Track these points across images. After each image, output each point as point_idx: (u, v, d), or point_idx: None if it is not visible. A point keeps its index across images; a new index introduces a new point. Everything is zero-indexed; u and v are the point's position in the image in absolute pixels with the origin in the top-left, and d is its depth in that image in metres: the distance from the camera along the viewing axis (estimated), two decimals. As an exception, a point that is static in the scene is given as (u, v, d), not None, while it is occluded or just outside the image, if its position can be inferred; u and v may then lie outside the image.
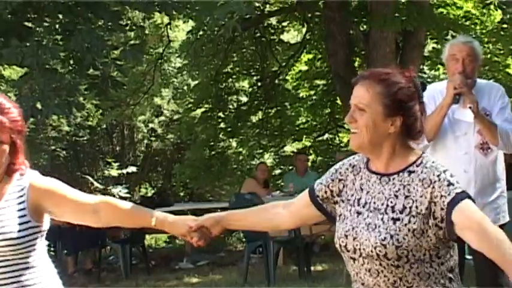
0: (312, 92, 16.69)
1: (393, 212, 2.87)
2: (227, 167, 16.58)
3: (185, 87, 18.21)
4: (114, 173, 17.94)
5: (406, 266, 2.84)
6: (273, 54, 16.26)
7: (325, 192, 3.17)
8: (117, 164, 18.08)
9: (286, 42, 16.68)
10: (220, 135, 16.32)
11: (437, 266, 2.88)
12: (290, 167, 15.40)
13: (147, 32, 15.03)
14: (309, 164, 14.92)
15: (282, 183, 13.89)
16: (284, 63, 16.43)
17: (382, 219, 2.89)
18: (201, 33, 14.55)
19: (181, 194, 18.64)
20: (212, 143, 16.20)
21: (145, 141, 19.89)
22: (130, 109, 17.37)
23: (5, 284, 3.16)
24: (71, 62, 11.06)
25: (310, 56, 16.52)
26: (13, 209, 3.21)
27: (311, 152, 16.62)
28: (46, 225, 3.31)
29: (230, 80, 16.51)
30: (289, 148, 17.41)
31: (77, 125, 18.87)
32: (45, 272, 3.30)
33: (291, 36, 17.43)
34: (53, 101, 10.10)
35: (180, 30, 16.93)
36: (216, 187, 17.58)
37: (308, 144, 16.95)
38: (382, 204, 2.91)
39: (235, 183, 16.42)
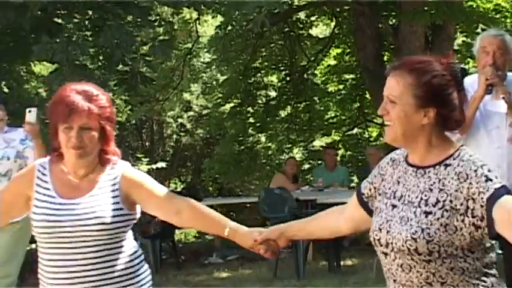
0: (341, 86, 16.66)
1: (426, 205, 2.79)
2: (256, 162, 16.58)
3: (214, 82, 18.25)
4: (144, 168, 18.01)
5: (438, 261, 2.74)
6: (302, 48, 16.23)
7: (370, 189, 3.10)
8: (146, 159, 18.16)
9: (315, 37, 16.64)
10: (249, 130, 16.32)
11: (472, 261, 2.77)
12: (319, 162, 15.37)
13: (176, 27, 15.03)
14: (338, 158, 14.87)
15: (311, 178, 13.84)
16: (313, 58, 16.41)
17: (414, 212, 2.80)
18: (229, 28, 14.56)
19: (211, 188, 18.66)
20: (241, 138, 16.21)
21: (175, 136, 19.94)
22: (160, 104, 17.43)
23: (100, 268, 3.27)
24: (101, 57, 11.12)
25: (339, 50, 16.48)
26: (107, 196, 3.32)
27: (340, 146, 16.57)
28: (138, 214, 3.44)
29: (259, 74, 16.51)
30: (318, 143, 17.36)
31: (107, 120, 18.95)
32: (135, 256, 3.42)
33: (320, 30, 17.40)
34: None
35: (209, 25, 16.95)
36: (245, 182, 17.59)
37: (337, 138, 16.91)
38: (416, 198, 2.82)
39: (264, 178, 16.41)
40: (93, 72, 10.83)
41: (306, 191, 12.25)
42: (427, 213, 2.77)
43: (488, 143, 5.19)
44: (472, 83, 5.21)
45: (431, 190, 2.81)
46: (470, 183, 2.72)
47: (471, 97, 5.14)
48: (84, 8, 10.97)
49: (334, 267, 10.44)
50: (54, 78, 10.78)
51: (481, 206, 2.69)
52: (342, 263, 10.73)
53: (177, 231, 15.90)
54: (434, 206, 2.78)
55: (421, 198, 2.82)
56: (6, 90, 14.58)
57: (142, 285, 3.41)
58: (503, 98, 5.07)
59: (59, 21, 11.37)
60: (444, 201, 2.76)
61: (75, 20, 11.00)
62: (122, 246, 3.33)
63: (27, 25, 10.46)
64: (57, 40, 10.16)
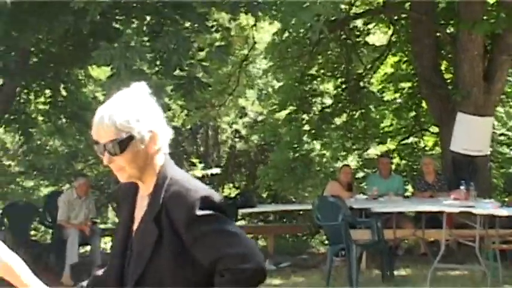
0: (397, 95, 16.55)
1: None
2: (310, 169, 16.52)
3: (270, 89, 18.26)
4: (199, 173, 18.11)
5: None
6: (359, 56, 16.17)
7: None
8: (201, 164, 18.25)
9: (371, 45, 16.57)
10: (304, 137, 16.27)
11: None
12: (373, 170, 15.29)
13: (232, 33, 15.11)
14: (393, 167, 14.78)
15: (366, 186, 13.77)
16: (369, 66, 16.34)
17: None
18: (286, 35, 14.56)
19: (265, 195, 18.67)
20: (296, 145, 16.16)
21: (229, 142, 19.99)
22: (215, 110, 17.50)
23: None
24: (158, 62, 11.20)
25: (396, 59, 16.38)
26: None
27: (395, 155, 16.46)
28: None
29: (315, 82, 16.47)
30: (373, 151, 17.26)
31: (163, 125, 19.08)
32: None
33: (377, 38, 17.32)
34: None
35: (266, 32, 16.97)
36: (299, 189, 17.55)
37: (392, 147, 16.80)
38: None
39: (318, 186, 16.35)
40: (150, 78, 10.91)
41: (360, 200, 12.18)
42: None
43: None
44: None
45: None
46: None
47: None
48: (142, 13, 11.08)
49: (388, 277, 10.36)
50: (111, 83, 10.89)
51: None
52: (395, 272, 10.65)
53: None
54: None
55: None
56: (64, 93, 14.80)
57: None
58: None
59: (117, 26, 11.50)
60: None
61: (133, 26, 11.12)
62: None
63: (86, 30, 10.59)
64: (115, 45, 10.26)
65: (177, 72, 11.33)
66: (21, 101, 14.66)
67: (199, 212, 2.74)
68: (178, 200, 2.78)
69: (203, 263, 2.76)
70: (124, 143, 2.79)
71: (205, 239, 2.73)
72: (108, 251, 16.08)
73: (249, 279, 2.71)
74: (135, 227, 2.93)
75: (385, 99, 16.66)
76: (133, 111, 2.80)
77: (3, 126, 14.69)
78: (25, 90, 14.45)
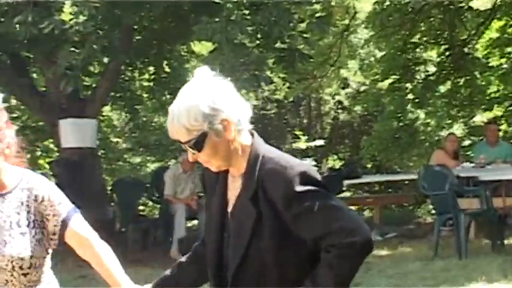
0: (503, 60, 16.16)
1: None
2: (415, 139, 16.35)
3: (372, 59, 18.09)
4: (302, 145, 18.16)
5: None
6: (462, 22, 15.83)
7: None
8: (305, 137, 18.27)
9: (475, 9, 16.18)
10: (408, 106, 16.10)
11: None
12: (480, 138, 15.00)
13: (333, 3, 14.98)
14: (500, 134, 14.46)
15: (472, 155, 13.53)
16: (474, 31, 15.97)
17: None
18: (387, 3, 14.37)
19: (369, 166, 18.57)
20: (400, 115, 16.01)
21: (333, 113, 19.93)
22: (317, 82, 17.44)
23: None
24: (259, 36, 11.21)
25: (501, 23, 15.97)
26: None
27: (502, 121, 16.12)
28: None
29: (418, 50, 16.23)
30: (480, 118, 16.95)
31: (265, 98, 19.15)
32: None
33: (481, 2, 16.90)
34: (242, 75, 10.28)
35: (366, 1, 16.79)
36: (403, 159, 17.40)
37: (499, 113, 16.45)
38: None
39: (423, 155, 16.16)
40: (251, 51, 10.94)
41: (467, 168, 11.96)
42: None
43: None
44: None
45: None
46: None
47: None
48: (243, -14, 11.09)
49: (498, 246, 10.17)
50: (213, 58, 10.96)
51: None
52: (506, 241, 10.45)
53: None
54: None
55: None
56: (168, 70, 15.00)
57: None
58: None
59: (218, 0, 11.55)
60: None
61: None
62: None
63: (187, 5, 10.68)
64: (216, 20, 10.31)
65: (278, 45, 11.33)
66: (126, 78, 14.93)
67: (298, 188, 2.68)
68: (275, 177, 2.71)
69: (306, 240, 2.71)
70: (199, 142, 2.75)
71: (307, 216, 2.67)
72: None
73: (357, 253, 2.66)
74: (229, 209, 2.88)
75: (491, 65, 16.28)
76: (199, 108, 2.73)
77: (110, 104, 15.00)
78: (129, 68, 14.70)
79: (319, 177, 2.76)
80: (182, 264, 3.15)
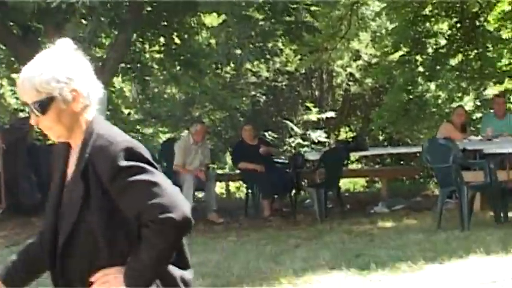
0: (515, 33, 16.10)
1: None
2: (425, 111, 16.36)
3: (383, 31, 18.05)
4: (313, 117, 18.20)
5: None
6: (473, -6, 15.77)
7: None
8: (316, 109, 18.29)
9: (487, -18, 16.14)
10: (419, 79, 16.08)
11: None
12: (491, 111, 14.99)
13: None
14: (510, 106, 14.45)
15: (480, 127, 13.52)
16: (485, 4, 15.90)
17: None
18: (399, -26, 14.34)
19: (380, 138, 18.61)
20: (410, 87, 15.99)
21: (344, 85, 19.92)
22: (328, 54, 17.44)
23: None
24: (266, 8, 11.24)
25: (513, -4, 15.90)
26: None
27: (512, 95, 16.10)
28: None
29: (428, 22, 16.17)
30: (491, 91, 16.89)
31: (276, 70, 19.17)
32: None
33: (493, -26, 16.83)
34: (248, 48, 10.33)
35: (377, -27, 16.77)
36: (414, 131, 17.42)
37: (510, 86, 16.40)
38: None
39: (433, 127, 16.13)
40: (258, 24, 10.98)
41: (474, 141, 11.99)
42: None
43: None
44: None
45: None
46: None
47: None
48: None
49: (501, 219, 10.22)
50: (221, 29, 11.02)
51: None
52: (509, 214, 10.48)
53: (345, 180, 16.01)
54: None
55: None
56: (178, 41, 15.03)
57: None
58: None
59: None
60: None
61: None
62: None
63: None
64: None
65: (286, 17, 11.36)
66: (136, 50, 14.98)
67: (122, 163, 2.73)
68: (102, 153, 2.77)
69: (130, 217, 2.75)
70: (45, 104, 2.80)
71: (129, 191, 2.72)
72: (224, 196, 16.42)
73: (172, 229, 2.69)
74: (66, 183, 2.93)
75: (502, 37, 16.22)
76: (53, 72, 2.80)
77: (120, 75, 15.06)
78: (139, 40, 14.74)
79: (145, 153, 2.80)
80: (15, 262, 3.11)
